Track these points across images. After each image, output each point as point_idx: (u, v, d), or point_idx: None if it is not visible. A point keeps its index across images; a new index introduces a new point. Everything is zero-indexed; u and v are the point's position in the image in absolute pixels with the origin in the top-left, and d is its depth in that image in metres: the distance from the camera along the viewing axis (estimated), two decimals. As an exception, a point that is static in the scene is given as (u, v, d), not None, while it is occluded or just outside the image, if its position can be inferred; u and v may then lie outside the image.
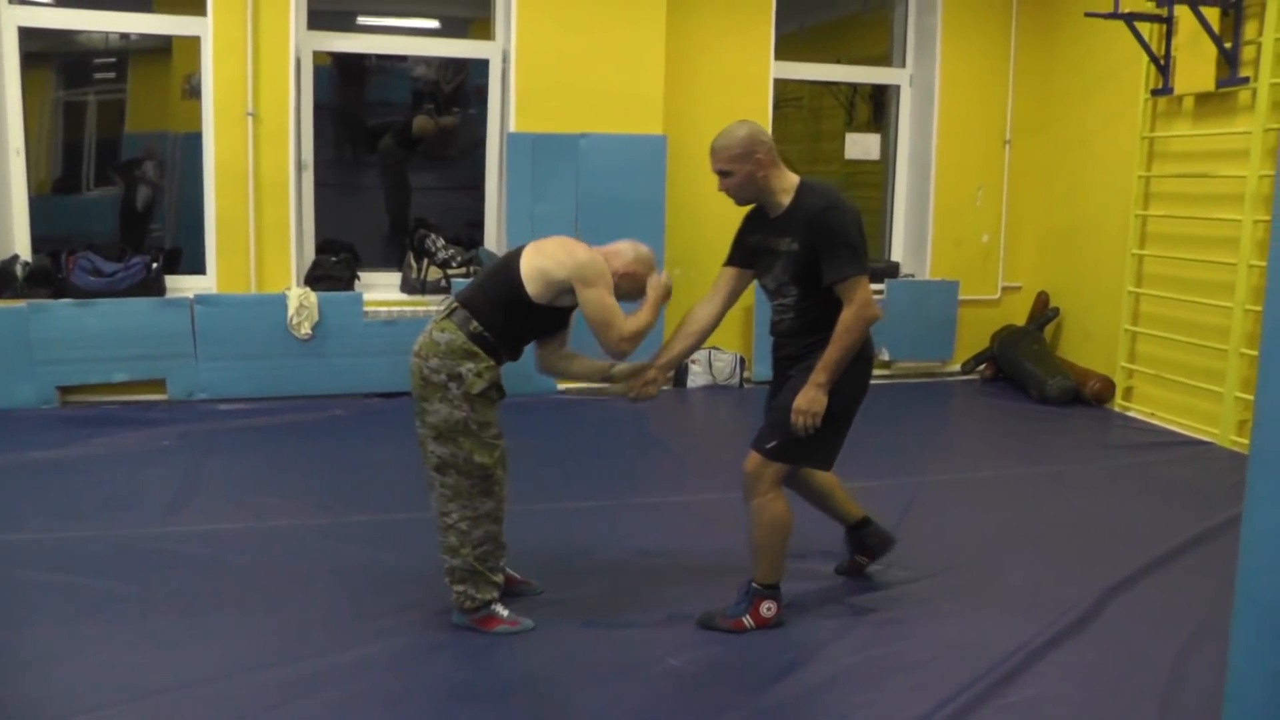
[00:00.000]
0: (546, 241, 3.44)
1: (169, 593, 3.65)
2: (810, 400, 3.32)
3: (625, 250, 3.48)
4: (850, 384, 3.41)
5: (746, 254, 3.60)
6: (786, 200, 3.41)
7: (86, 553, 3.95)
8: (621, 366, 3.57)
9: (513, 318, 3.32)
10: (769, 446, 3.43)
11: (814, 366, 3.34)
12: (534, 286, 3.29)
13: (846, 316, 3.29)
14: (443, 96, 7.74)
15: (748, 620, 3.49)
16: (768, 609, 3.50)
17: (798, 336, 3.48)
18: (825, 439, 3.44)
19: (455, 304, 3.36)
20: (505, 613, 3.44)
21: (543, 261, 3.32)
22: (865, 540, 3.91)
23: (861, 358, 3.41)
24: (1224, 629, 2.38)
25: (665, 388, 6.98)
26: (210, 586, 3.72)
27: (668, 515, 4.63)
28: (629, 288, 3.46)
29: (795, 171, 3.48)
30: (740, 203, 3.52)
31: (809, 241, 3.32)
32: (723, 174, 3.41)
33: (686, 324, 3.62)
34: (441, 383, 3.26)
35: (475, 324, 3.28)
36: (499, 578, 3.46)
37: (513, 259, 3.38)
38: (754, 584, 3.51)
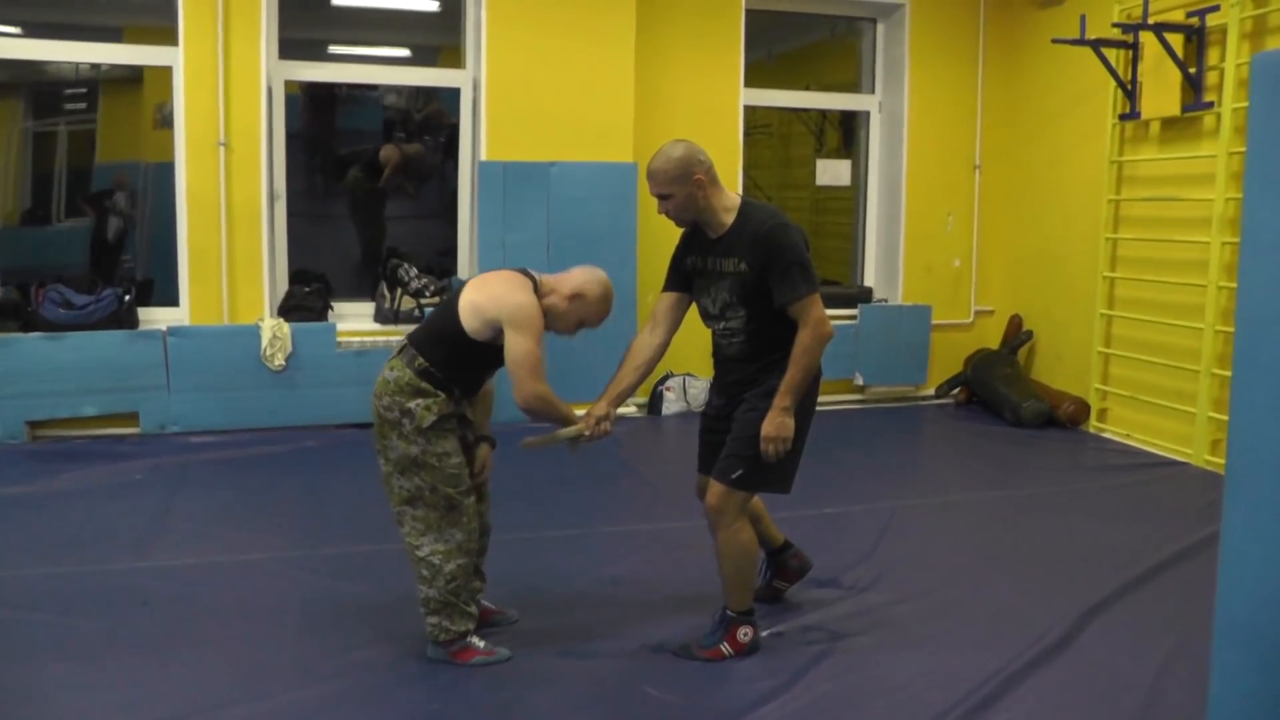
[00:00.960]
0: (493, 276, 3.40)
1: (138, 630, 3.59)
2: (778, 426, 3.29)
3: (576, 273, 3.45)
4: (806, 404, 3.39)
5: (684, 277, 3.54)
6: (729, 219, 3.36)
7: (54, 590, 3.88)
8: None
9: (454, 353, 3.28)
10: (734, 477, 3.37)
11: (770, 392, 3.31)
12: (470, 323, 3.25)
13: (804, 337, 3.26)
14: (413, 125, 7.75)
15: (725, 648, 3.46)
16: (744, 634, 3.47)
17: (746, 362, 3.43)
18: (788, 462, 3.42)
19: (405, 342, 3.36)
20: (481, 644, 3.40)
21: (480, 298, 3.28)
22: (786, 564, 3.90)
23: (812, 376, 3.37)
24: (1201, 649, 2.39)
25: (640, 416, 7.02)
26: (180, 623, 3.66)
27: (641, 543, 4.60)
28: (578, 310, 3.40)
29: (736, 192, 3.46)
30: (680, 225, 3.47)
31: (757, 261, 3.28)
32: (661, 197, 3.34)
33: (632, 356, 3.54)
34: (395, 420, 3.25)
35: (420, 360, 3.26)
36: (474, 609, 3.42)
37: (456, 295, 3.36)
38: (728, 611, 3.49)
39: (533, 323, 3.25)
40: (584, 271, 3.46)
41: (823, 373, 3.50)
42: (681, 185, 3.30)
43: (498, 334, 3.25)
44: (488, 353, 3.29)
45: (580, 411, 3.45)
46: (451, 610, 3.34)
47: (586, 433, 3.42)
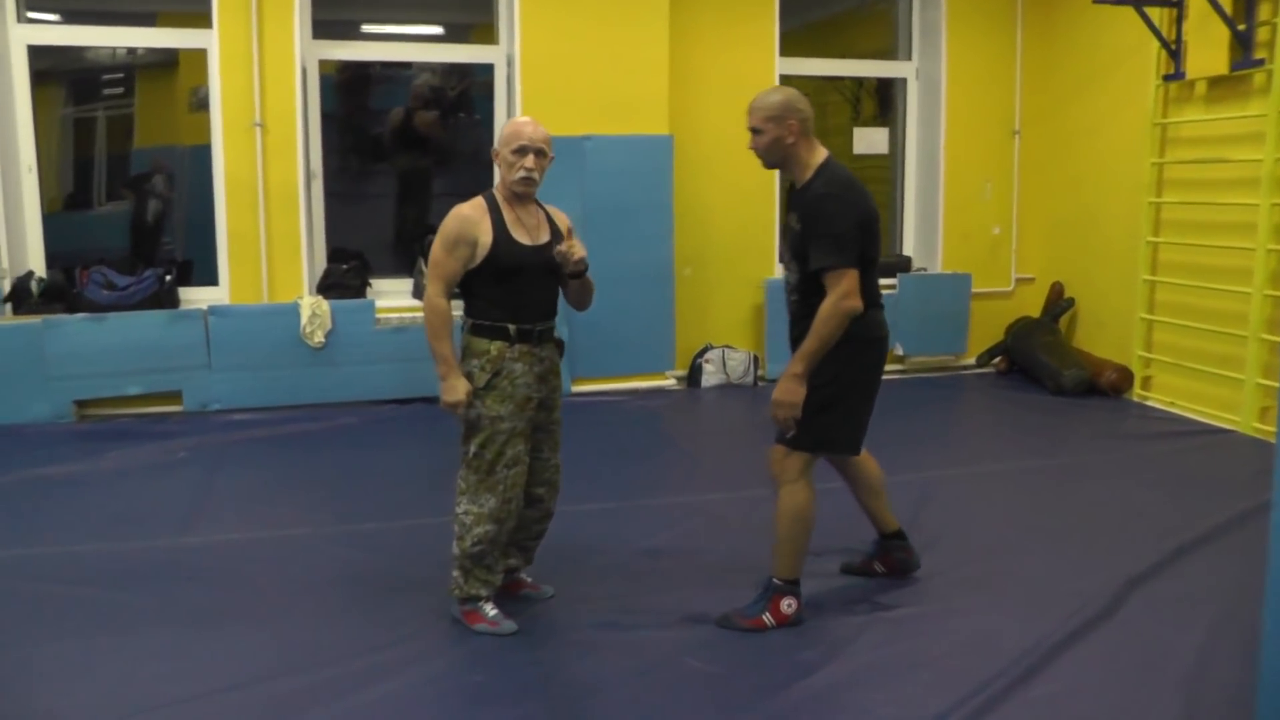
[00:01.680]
0: None
1: (184, 604, 3.65)
2: (785, 391, 3.32)
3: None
4: (845, 369, 3.37)
5: None
6: (806, 176, 3.40)
7: (102, 566, 3.95)
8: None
9: (473, 293, 3.35)
10: (789, 437, 3.42)
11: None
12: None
13: (825, 306, 3.27)
14: (448, 102, 7.74)
15: (767, 618, 3.46)
16: (788, 605, 3.47)
17: (798, 321, 3.49)
18: (838, 425, 3.43)
19: None
20: (491, 613, 3.44)
21: None
22: (892, 553, 3.88)
23: (859, 339, 3.35)
24: (1248, 619, 2.35)
25: (679, 389, 7.00)
26: (225, 597, 3.72)
27: (680, 516, 4.60)
28: (503, 147, 3.36)
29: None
30: (767, 165, 3.51)
31: (804, 223, 3.34)
32: (754, 131, 3.42)
33: None
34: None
35: (466, 319, 3.39)
36: (494, 577, 3.46)
37: None
38: (773, 580, 3.49)
39: (445, 227, 3.32)
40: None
41: (889, 337, 3.51)
42: (775, 126, 3.37)
43: (471, 249, 3.28)
44: (495, 270, 3.31)
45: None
46: (469, 572, 3.41)
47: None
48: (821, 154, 3.42)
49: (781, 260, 3.57)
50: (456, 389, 3.27)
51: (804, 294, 3.43)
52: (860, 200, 3.36)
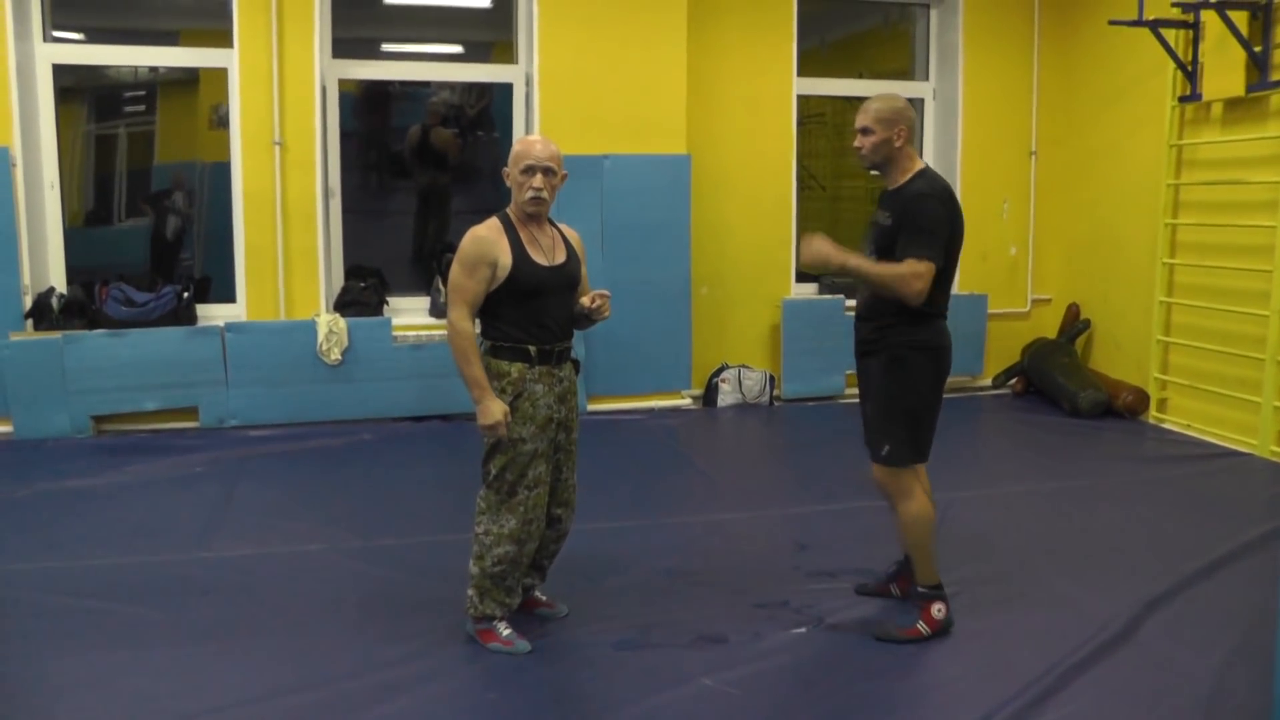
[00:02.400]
0: None
1: (200, 618, 3.66)
2: (817, 253, 3.40)
3: None
4: (921, 378, 3.46)
5: None
6: (903, 179, 3.48)
7: (119, 579, 3.97)
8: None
9: (492, 315, 3.35)
10: (883, 453, 3.49)
11: (893, 360, 3.44)
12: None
13: (899, 266, 3.32)
14: (466, 121, 7.80)
15: (922, 627, 3.52)
16: (938, 610, 3.54)
17: (866, 319, 3.55)
18: (927, 431, 3.53)
19: None
20: (506, 632, 3.44)
21: None
22: (914, 576, 3.86)
23: (932, 347, 3.45)
24: (1267, 644, 2.33)
25: (694, 408, 7.01)
26: (241, 612, 3.73)
27: (696, 534, 4.60)
28: (513, 164, 3.37)
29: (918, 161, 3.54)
30: (867, 165, 3.57)
31: (899, 218, 3.39)
32: (864, 130, 3.49)
33: None
34: None
35: (484, 342, 3.39)
36: (511, 599, 3.47)
37: None
38: (919, 588, 3.56)
39: (464, 250, 3.31)
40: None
41: (951, 359, 3.55)
42: (885, 128, 3.46)
43: (491, 269, 3.28)
44: (515, 291, 3.31)
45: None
46: (485, 592, 3.41)
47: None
48: (920, 162, 3.53)
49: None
50: (493, 411, 3.27)
51: (876, 291, 3.48)
52: (955, 210, 3.46)
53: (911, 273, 3.31)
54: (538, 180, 3.32)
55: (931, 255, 3.33)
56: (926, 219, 3.35)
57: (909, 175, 3.48)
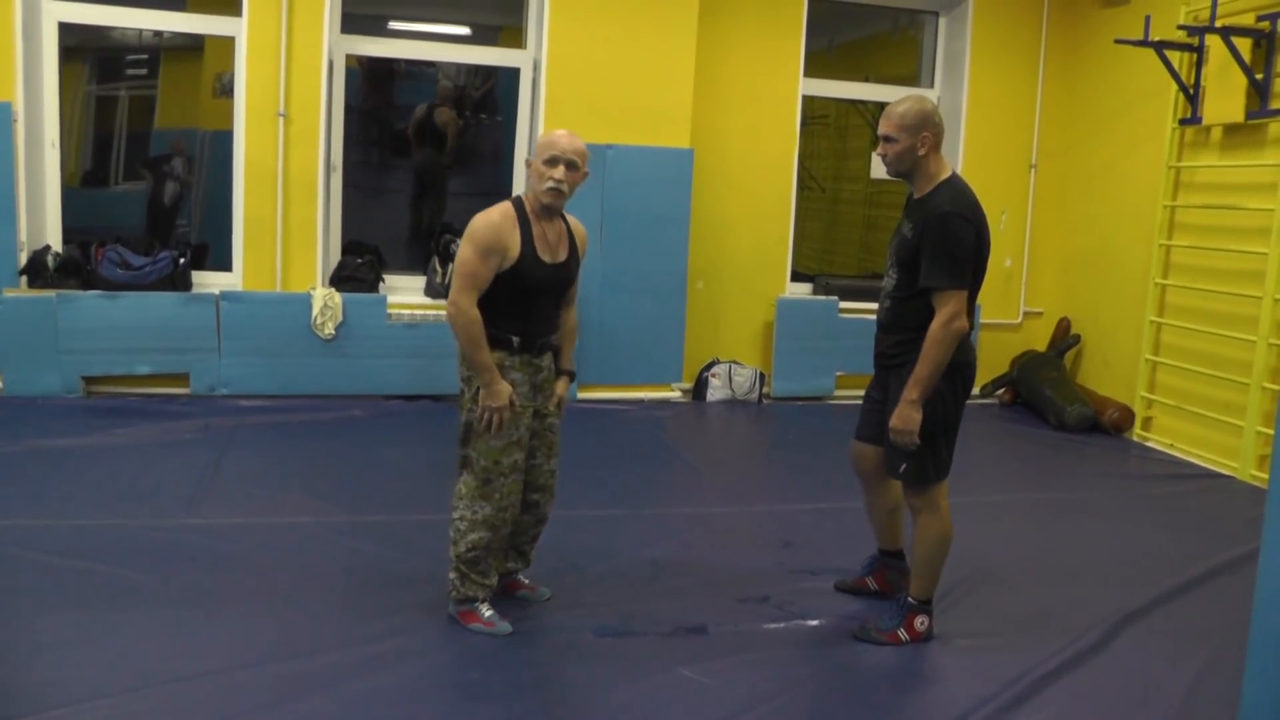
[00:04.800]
0: None
1: (186, 583, 3.68)
2: (904, 420, 3.35)
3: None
4: (948, 393, 3.42)
5: None
6: (928, 188, 3.43)
7: (106, 541, 3.99)
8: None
9: (482, 302, 3.32)
10: (903, 471, 3.46)
11: (906, 380, 3.37)
12: None
13: (934, 328, 3.30)
14: (470, 103, 7.81)
15: (903, 634, 3.53)
16: (921, 623, 3.55)
17: (890, 332, 3.52)
18: (942, 450, 3.46)
19: None
20: (488, 613, 3.48)
21: None
22: (888, 571, 3.91)
23: (952, 363, 3.38)
24: (1238, 660, 2.38)
25: (684, 401, 7.03)
26: (227, 579, 3.75)
27: (681, 526, 4.63)
28: (537, 158, 3.37)
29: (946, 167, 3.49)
30: (892, 172, 3.51)
31: (921, 235, 3.34)
32: (887, 139, 3.42)
33: None
34: (460, 390, 3.42)
35: None
36: (489, 580, 3.50)
37: None
38: (909, 599, 3.55)
39: (475, 232, 3.29)
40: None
41: (976, 361, 3.54)
42: (910, 135, 3.38)
43: (501, 258, 3.29)
44: (515, 285, 3.32)
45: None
46: (464, 575, 3.45)
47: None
48: (947, 169, 3.46)
49: (886, 266, 3.59)
50: (501, 394, 3.30)
51: (898, 301, 3.47)
52: (981, 222, 3.41)
53: (945, 324, 3.28)
54: (559, 172, 3.33)
55: (956, 282, 3.30)
56: (952, 243, 3.30)
57: (934, 184, 3.41)
